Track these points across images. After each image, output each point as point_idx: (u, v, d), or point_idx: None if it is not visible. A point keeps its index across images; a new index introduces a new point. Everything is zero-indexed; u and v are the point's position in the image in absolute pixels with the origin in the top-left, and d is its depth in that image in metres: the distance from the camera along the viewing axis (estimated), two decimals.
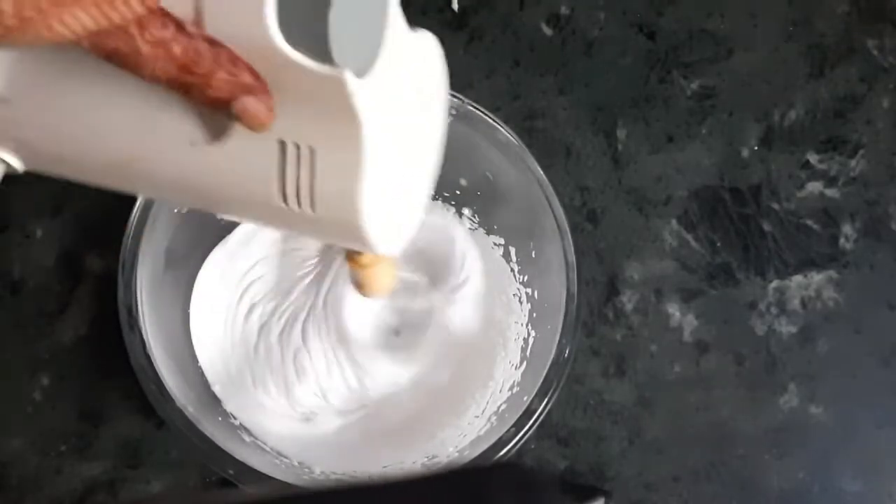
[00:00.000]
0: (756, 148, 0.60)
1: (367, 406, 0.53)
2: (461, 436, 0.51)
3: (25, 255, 0.55)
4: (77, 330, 0.55)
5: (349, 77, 0.29)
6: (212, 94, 0.29)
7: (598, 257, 0.58)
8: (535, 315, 0.53)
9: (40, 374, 0.54)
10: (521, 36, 0.60)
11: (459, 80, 0.58)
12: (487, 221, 0.55)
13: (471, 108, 0.50)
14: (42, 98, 0.32)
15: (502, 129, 0.50)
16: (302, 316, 0.53)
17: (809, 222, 0.59)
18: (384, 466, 0.50)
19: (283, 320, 0.53)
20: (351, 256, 0.41)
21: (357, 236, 0.33)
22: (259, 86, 0.30)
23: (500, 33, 0.60)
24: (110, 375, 0.54)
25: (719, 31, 0.61)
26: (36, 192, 0.56)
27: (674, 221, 0.58)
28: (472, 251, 0.55)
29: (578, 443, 0.56)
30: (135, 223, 0.47)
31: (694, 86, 0.60)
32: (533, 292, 0.53)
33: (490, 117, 0.50)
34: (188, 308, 0.52)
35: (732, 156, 0.59)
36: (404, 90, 0.33)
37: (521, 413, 0.48)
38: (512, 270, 0.54)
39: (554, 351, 0.48)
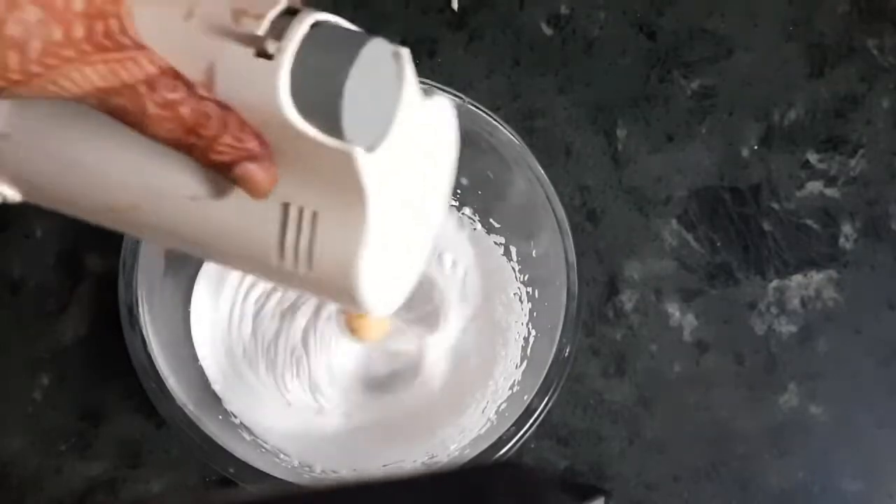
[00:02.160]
0: (756, 148, 0.60)
1: (368, 404, 0.53)
2: (461, 434, 0.51)
3: (25, 255, 0.55)
4: (77, 330, 0.55)
5: (359, 153, 0.29)
6: (215, 158, 0.29)
7: (598, 257, 0.58)
8: (535, 314, 0.53)
9: (40, 374, 0.54)
10: (521, 36, 0.60)
11: (459, 80, 0.59)
12: (488, 220, 0.55)
13: (471, 107, 0.50)
14: (43, 138, 0.32)
15: (503, 129, 0.50)
16: (303, 315, 0.53)
17: (809, 222, 0.59)
18: (384, 465, 0.50)
19: (283, 319, 0.53)
20: None
21: (352, 299, 0.33)
22: (264, 153, 0.29)
23: (500, 33, 0.60)
24: (110, 375, 0.54)
25: (719, 31, 0.61)
26: None
27: (674, 221, 0.58)
28: (453, 293, 0.54)
29: (578, 442, 0.56)
30: None
31: (694, 85, 0.60)
32: (533, 291, 0.53)
33: (491, 116, 0.50)
34: (188, 307, 0.52)
35: (732, 155, 0.59)
36: (413, 161, 0.33)
37: (521, 412, 0.48)
38: (512, 269, 0.54)
39: (554, 350, 0.48)
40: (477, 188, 0.54)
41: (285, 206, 0.31)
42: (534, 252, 0.52)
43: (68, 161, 0.32)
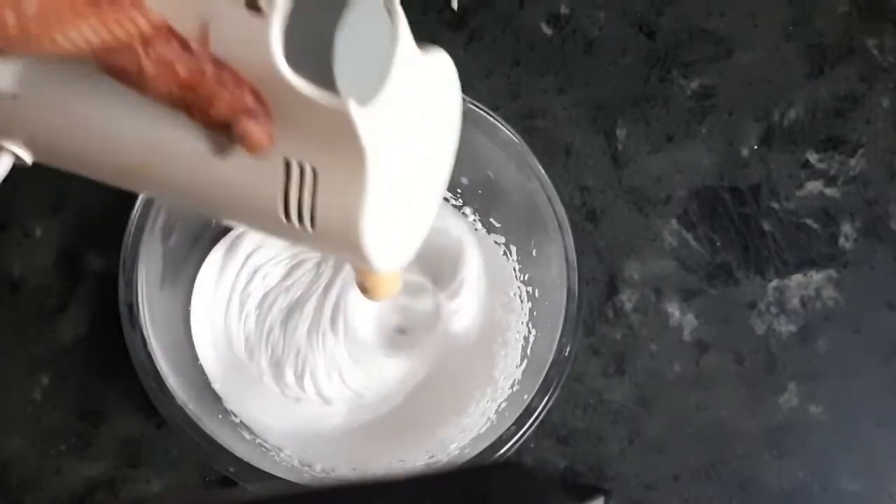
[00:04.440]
0: (756, 147, 0.60)
1: (368, 402, 0.53)
2: (461, 434, 0.51)
3: (25, 255, 0.55)
4: (77, 330, 0.55)
5: (352, 107, 0.29)
6: (213, 116, 0.29)
7: (598, 256, 0.58)
8: (535, 314, 0.53)
9: (40, 374, 0.54)
10: (521, 36, 0.60)
11: (459, 80, 0.59)
12: (488, 220, 0.55)
13: (472, 106, 0.50)
14: (52, 98, 0.32)
15: (503, 128, 0.50)
16: (304, 312, 0.53)
17: (809, 222, 0.59)
18: (385, 465, 0.50)
19: (284, 317, 0.53)
20: None
21: (358, 254, 0.33)
22: (261, 110, 0.29)
23: (500, 33, 0.60)
24: (110, 375, 0.54)
25: (719, 31, 0.61)
26: (36, 191, 0.56)
27: (674, 221, 0.58)
28: (474, 252, 0.55)
29: (578, 442, 0.56)
30: (135, 221, 0.47)
31: (694, 85, 0.60)
32: (533, 291, 0.53)
33: (491, 116, 0.50)
34: (189, 306, 0.52)
35: (732, 155, 0.59)
36: (412, 112, 0.33)
37: (521, 411, 0.48)
38: (513, 269, 0.54)
39: (554, 350, 0.49)
40: (477, 188, 0.54)
41: (287, 163, 0.31)
42: (534, 252, 0.52)
43: (78, 122, 0.32)
